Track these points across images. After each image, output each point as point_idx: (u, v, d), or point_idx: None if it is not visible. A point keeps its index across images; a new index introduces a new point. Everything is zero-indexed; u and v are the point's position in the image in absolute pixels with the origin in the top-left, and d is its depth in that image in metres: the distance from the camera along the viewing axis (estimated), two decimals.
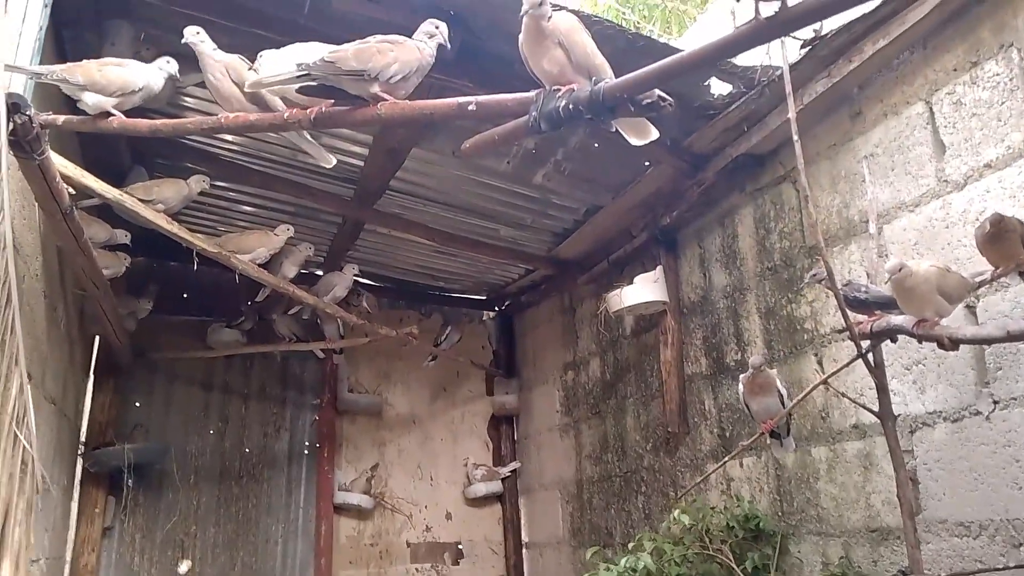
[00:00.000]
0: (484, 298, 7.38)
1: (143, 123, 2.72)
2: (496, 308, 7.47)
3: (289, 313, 5.69)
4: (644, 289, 4.84)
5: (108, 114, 2.72)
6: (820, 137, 3.84)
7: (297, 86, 2.49)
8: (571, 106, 2.04)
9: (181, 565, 5.63)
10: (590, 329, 6.07)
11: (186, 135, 2.86)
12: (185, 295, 5.95)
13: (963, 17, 3.13)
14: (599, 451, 5.79)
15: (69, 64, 2.74)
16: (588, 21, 2.73)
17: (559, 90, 2.11)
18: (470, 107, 2.17)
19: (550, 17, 2.20)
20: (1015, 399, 2.85)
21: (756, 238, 4.30)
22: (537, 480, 6.79)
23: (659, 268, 4.91)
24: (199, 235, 4.13)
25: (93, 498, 5.31)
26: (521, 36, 2.26)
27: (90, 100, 2.69)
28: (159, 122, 2.70)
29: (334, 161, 3.12)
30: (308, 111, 2.48)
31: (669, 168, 4.50)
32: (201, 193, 4.16)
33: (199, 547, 5.79)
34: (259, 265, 4.41)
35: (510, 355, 7.41)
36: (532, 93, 2.16)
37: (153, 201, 3.69)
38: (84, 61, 2.77)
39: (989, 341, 2.39)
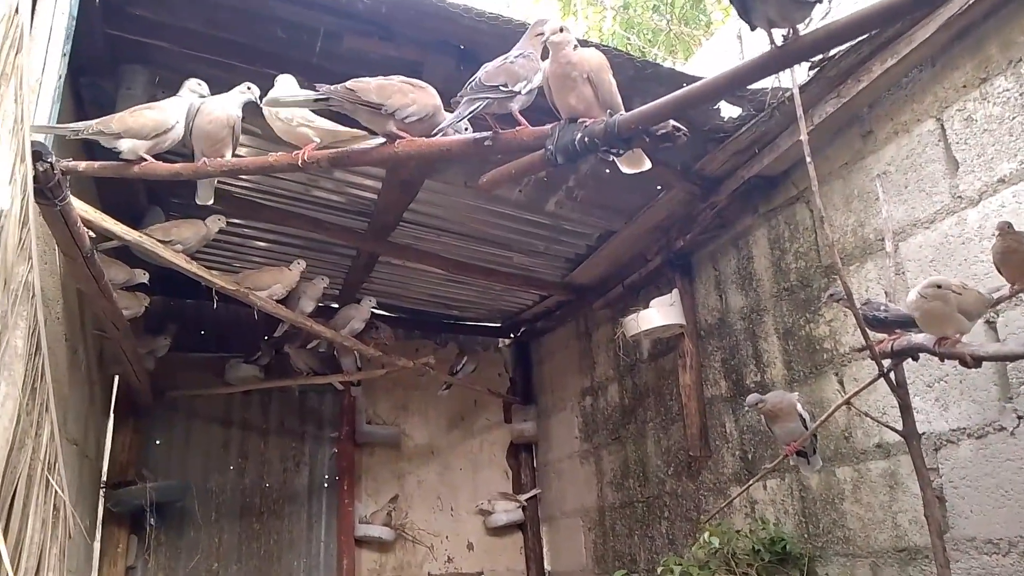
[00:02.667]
0: (499, 325, 7.38)
1: (163, 167, 2.76)
2: (511, 335, 7.48)
3: (306, 347, 5.71)
4: (660, 313, 4.84)
5: (139, 159, 2.76)
6: (832, 157, 3.85)
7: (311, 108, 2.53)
8: (586, 139, 2.07)
9: None
10: (607, 354, 6.06)
11: (205, 178, 2.89)
12: (203, 332, 6.00)
13: (970, 34, 3.15)
14: (620, 477, 5.75)
15: (102, 118, 2.79)
16: (598, 50, 2.76)
17: (574, 123, 2.13)
18: (486, 143, 2.19)
19: (576, 47, 2.23)
20: None
21: (771, 259, 4.30)
22: (558, 508, 6.74)
23: (675, 291, 4.91)
24: (216, 272, 4.18)
25: (115, 538, 5.32)
26: (548, 70, 2.29)
27: (126, 147, 2.73)
28: (179, 166, 2.74)
29: (210, 200, 3.13)
30: (326, 152, 2.51)
31: (681, 192, 4.52)
32: (218, 230, 4.20)
33: None
34: (277, 301, 4.44)
35: (527, 382, 7.40)
36: (548, 127, 2.19)
37: (172, 242, 3.73)
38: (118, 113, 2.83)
39: (1011, 358, 2.38)
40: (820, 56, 3.46)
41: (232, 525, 5.96)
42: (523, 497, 6.93)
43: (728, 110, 4.07)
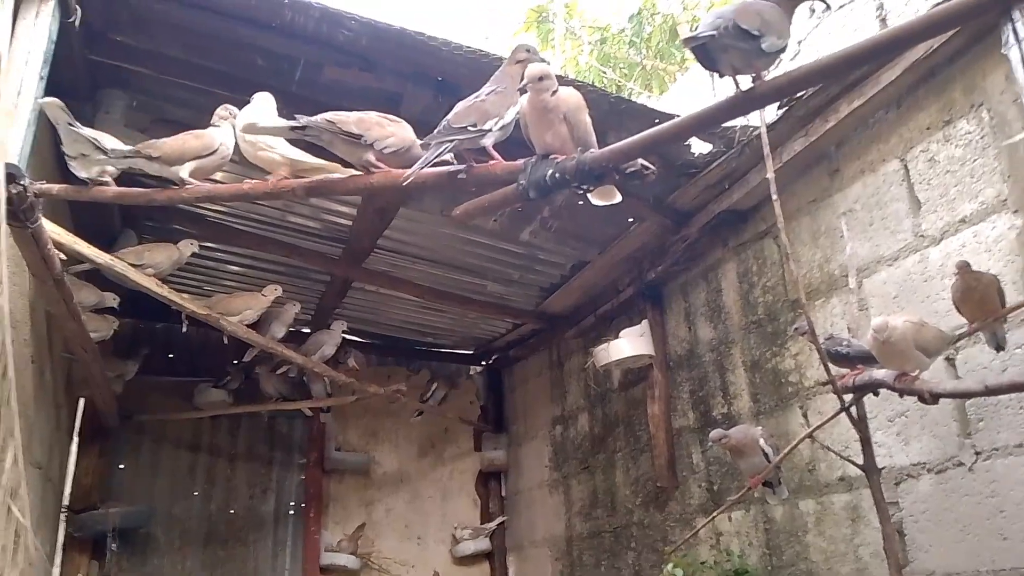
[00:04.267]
0: (472, 352, 7.39)
1: (137, 192, 2.77)
2: (484, 363, 7.48)
3: (276, 372, 5.68)
4: (631, 343, 4.89)
5: (102, 183, 2.76)
6: (800, 193, 3.93)
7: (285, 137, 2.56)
8: (558, 175, 2.11)
9: None
10: (578, 383, 6.09)
11: (180, 203, 2.90)
12: (172, 356, 5.96)
13: (935, 78, 3.25)
14: (589, 507, 5.76)
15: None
16: (574, 87, 2.82)
17: (546, 159, 2.18)
18: (460, 176, 2.23)
19: (555, 92, 2.28)
20: (996, 450, 2.89)
21: (740, 292, 4.37)
22: (527, 537, 6.72)
23: (645, 322, 4.97)
24: (187, 296, 4.17)
25: (76, 563, 5.20)
26: (525, 107, 2.34)
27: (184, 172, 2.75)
28: (153, 191, 2.74)
29: None
30: (302, 181, 2.54)
31: (653, 224, 4.59)
32: (190, 254, 4.20)
33: None
34: (247, 325, 4.43)
35: (498, 410, 7.40)
36: (520, 162, 2.24)
37: (144, 265, 3.72)
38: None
39: (968, 395, 2.44)
40: (786, 98, 3.55)
41: (196, 552, 5.88)
42: (490, 526, 6.89)
43: (699, 146, 4.15)
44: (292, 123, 2.45)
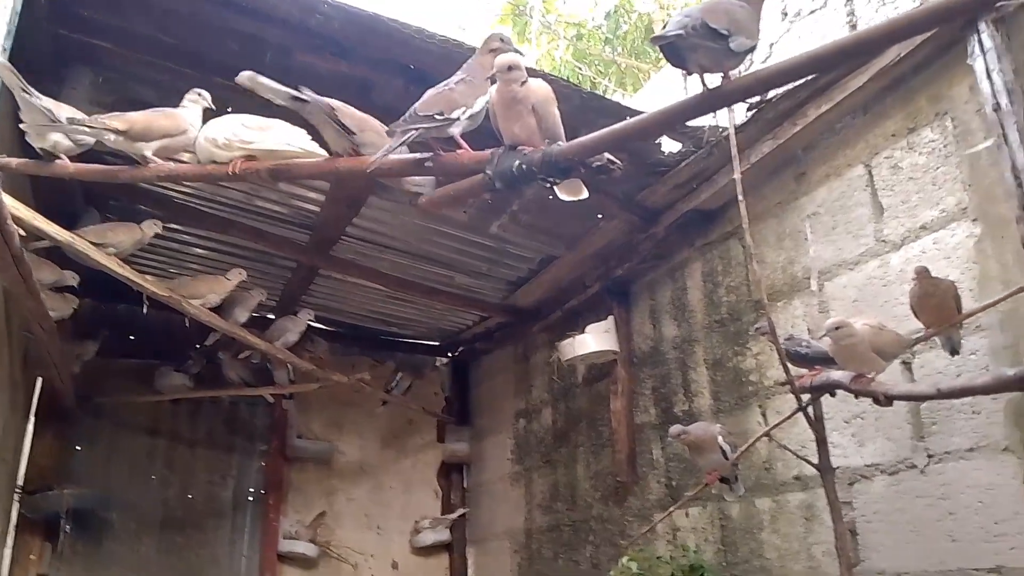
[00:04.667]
0: (438, 344, 7.37)
1: (100, 169, 2.72)
2: (450, 355, 7.48)
3: (239, 357, 5.63)
4: (596, 338, 4.92)
5: (56, 157, 2.71)
6: (767, 196, 3.97)
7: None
8: (525, 167, 2.12)
9: None
10: (543, 378, 6.11)
11: (143, 182, 2.86)
12: (133, 338, 5.88)
13: (901, 86, 3.30)
14: (549, 500, 5.79)
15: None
16: (545, 80, 2.82)
17: (514, 150, 2.18)
18: (427, 164, 2.23)
19: (524, 82, 2.28)
20: (949, 453, 2.95)
21: (705, 291, 4.41)
22: (487, 529, 6.74)
23: (611, 318, 5.00)
24: (150, 278, 4.11)
25: (28, 545, 5.13)
26: (494, 97, 2.34)
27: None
28: (116, 168, 2.70)
29: None
30: (266, 163, 2.52)
31: (622, 222, 4.61)
32: (154, 235, 4.14)
33: None
34: (210, 309, 4.39)
35: (463, 402, 7.39)
36: (488, 152, 2.23)
37: (106, 245, 3.66)
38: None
39: (921, 398, 2.49)
40: (757, 99, 3.59)
41: (152, 537, 5.81)
42: (450, 517, 6.89)
43: (669, 145, 4.18)
44: (295, 93, 2.43)
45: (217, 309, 4.54)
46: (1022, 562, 2.68)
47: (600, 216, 4.65)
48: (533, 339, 6.26)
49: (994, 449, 2.81)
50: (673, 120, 2.05)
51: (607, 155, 2.12)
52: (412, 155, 2.29)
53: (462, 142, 2.29)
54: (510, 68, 2.24)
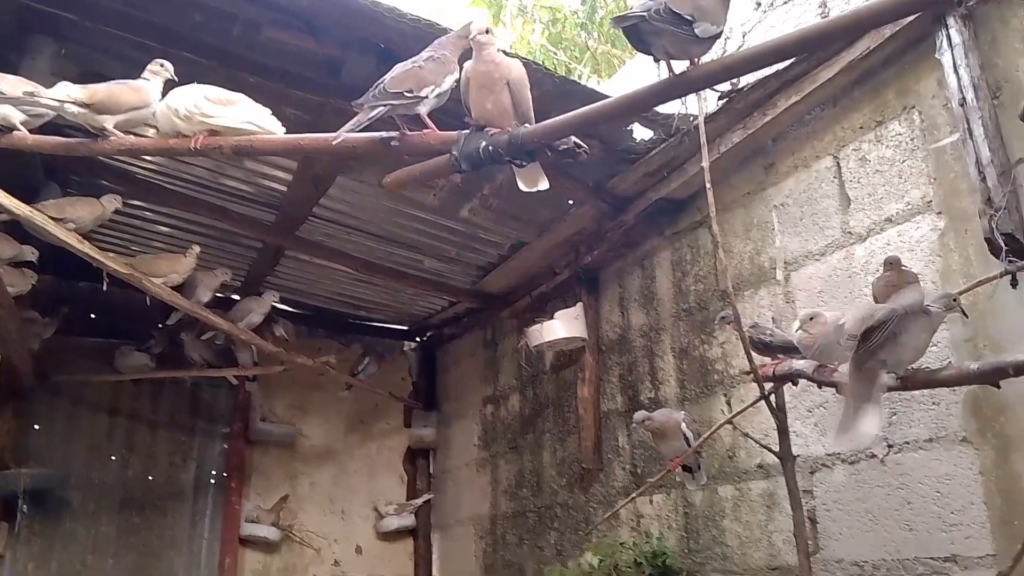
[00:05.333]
0: (406, 329, 7.33)
1: (57, 141, 2.65)
2: (418, 339, 7.44)
3: (202, 338, 5.55)
4: (564, 325, 4.91)
5: (12, 128, 2.63)
6: (736, 186, 3.98)
7: None
8: (491, 148, 2.09)
9: None
10: (511, 364, 6.10)
11: (103, 155, 2.79)
12: (93, 316, 5.77)
13: (870, 79, 3.31)
14: (515, 486, 5.79)
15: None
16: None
17: (481, 131, 2.15)
18: (392, 143, 2.19)
19: (499, 50, 2.24)
20: (908, 443, 2.99)
21: (673, 280, 4.41)
22: (452, 515, 6.73)
23: (579, 305, 4.99)
24: (111, 255, 4.03)
25: None
26: (469, 71, 2.31)
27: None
28: (74, 141, 2.63)
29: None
30: (229, 139, 2.46)
31: (592, 209, 4.60)
32: (116, 212, 4.06)
33: None
34: (173, 288, 4.31)
35: (430, 388, 7.36)
36: (455, 133, 2.20)
37: (65, 220, 3.58)
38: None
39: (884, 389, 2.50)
40: (728, 88, 3.59)
41: (111, 518, 5.74)
42: (416, 503, 6.88)
43: (641, 132, 4.16)
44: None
45: (179, 288, 4.47)
46: (976, 551, 2.72)
47: (570, 203, 4.64)
48: (502, 325, 6.25)
49: (952, 440, 2.85)
50: (639, 105, 2.03)
51: (573, 139, 2.10)
52: (378, 134, 2.26)
53: (428, 121, 2.25)
54: (488, 31, 2.20)
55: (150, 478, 5.97)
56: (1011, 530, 2.59)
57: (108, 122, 2.61)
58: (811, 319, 2.56)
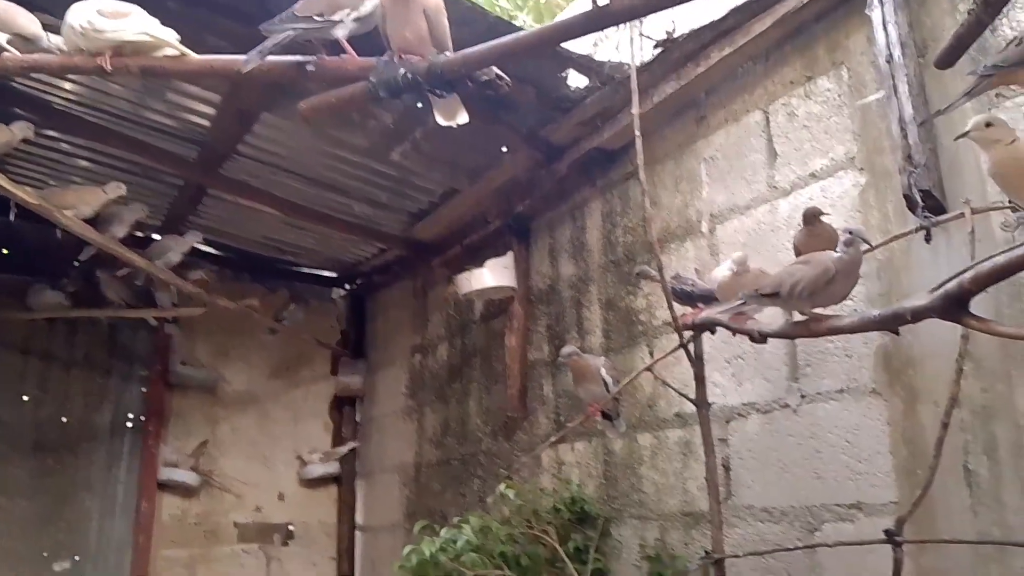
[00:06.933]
0: (335, 276, 7.21)
1: None
2: (347, 287, 7.32)
3: (117, 275, 5.34)
4: (493, 274, 4.88)
5: None
6: (668, 138, 3.98)
7: None
8: (410, 75, 2.02)
9: None
10: (441, 313, 6.06)
11: (4, 73, 2.61)
12: (5, 252, 5.52)
13: (802, 34, 3.32)
14: (440, 435, 5.79)
15: None
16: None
17: (400, 59, 2.08)
18: (308, 67, 2.10)
19: None
20: (820, 394, 3.06)
21: (603, 231, 4.41)
22: (377, 463, 6.72)
23: (510, 254, 4.96)
24: (23, 188, 3.84)
25: None
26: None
27: None
28: None
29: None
30: (136, 59, 2.33)
31: (525, 157, 4.55)
32: (31, 143, 3.88)
33: (7, 522, 5.41)
34: (86, 222, 4.13)
35: (359, 336, 7.28)
36: (374, 60, 2.12)
37: None
38: None
39: (792, 336, 2.55)
40: (664, 37, 3.55)
41: (23, 460, 5.58)
42: (341, 450, 6.83)
43: (577, 80, 4.11)
44: None
45: (93, 223, 4.28)
46: (880, 499, 2.81)
47: (504, 150, 4.58)
48: (432, 274, 6.18)
49: (862, 391, 2.92)
50: (560, 36, 1.98)
51: (495, 70, 2.05)
52: (294, 57, 2.16)
53: (348, 47, 2.17)
54: None
55: (64, 420, 5.80)
56: (913, 479, 2.68)
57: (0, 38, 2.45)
58: (744, 262, 2.59)
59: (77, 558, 5.59)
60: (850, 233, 2.13)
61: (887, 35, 2.87)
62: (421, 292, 6.38)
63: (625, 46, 3.63)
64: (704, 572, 3.25)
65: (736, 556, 3.10)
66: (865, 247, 2.17)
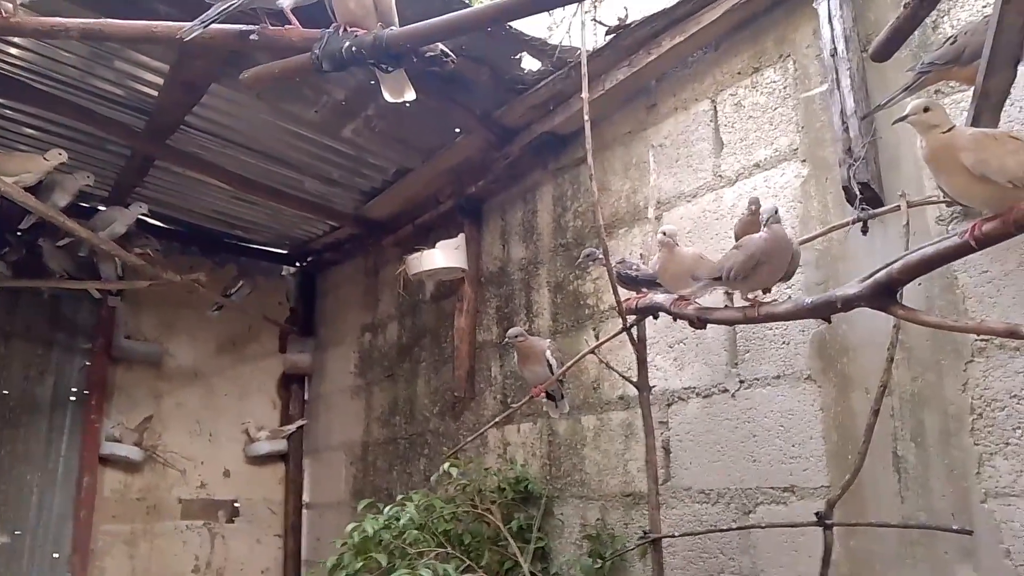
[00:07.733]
0: (285, 252, 7.13)
1: None
2: (297, 264, 7.25)
3: (59, 245, 5.21)
4: (444, 255, 4.88)
5: None
6: (618, 124, 4.01)
7: None
8: (354, 48, 2.01)
9: None
10: (391, 292, 6.03)
11: None
12: None
13: (751, 25, 3.38)
14: (388, 414, 5.79)
15: None
16: None
17: (345, 31, 2.07)
18: (251, 36, 2.08)
19: None
20: (757, 379, 3.14)
21: (553, 215, 4.44)
22: (324, 441, 6.69)
23: (461, 236, 4.96)
24: None
25: None
26: None
27: None
28: None
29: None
30: (78, 20, 2.28)
31: (479, 138, 4.55)
32: None
33: None
34: (26, 190, 4.03)
35: (308, 313, 7.21)
36: (318, 31, 2.11)
37: None
38: None
39: (730, 322, 2.62)
40: (616, 23, 3.58)
41: None
42: (289, 428, 6.79)
43: (530, 63, 4.12)
44: None
45: (34, 191, 4.18)
46: (812, 482, 2.90)
47: (457, 130, 4.57)
48: (383, 253, 6.15)
49: (798, 377, 3.00)
50: (509, 13, 1.99)
51: (440, 46, 2.05)
52: (237, 26, 2.13)
53: (292, 17, 2.15)
54: None
55: (4, 392, 5.66)
56: (844, 463, 2.77)
57: None
58: (674, 234, 2.64)
59: (17, 532, 5.47)
60: (765, 210, 2.19)
61: (832, 29, 2.93)
62: (372, 271, 6.36)
63: (578, 31, 3.65)
64: (642, 551, 3.31)
65: (672, 536, 3.17)
66: (786, 227, 2.22)
